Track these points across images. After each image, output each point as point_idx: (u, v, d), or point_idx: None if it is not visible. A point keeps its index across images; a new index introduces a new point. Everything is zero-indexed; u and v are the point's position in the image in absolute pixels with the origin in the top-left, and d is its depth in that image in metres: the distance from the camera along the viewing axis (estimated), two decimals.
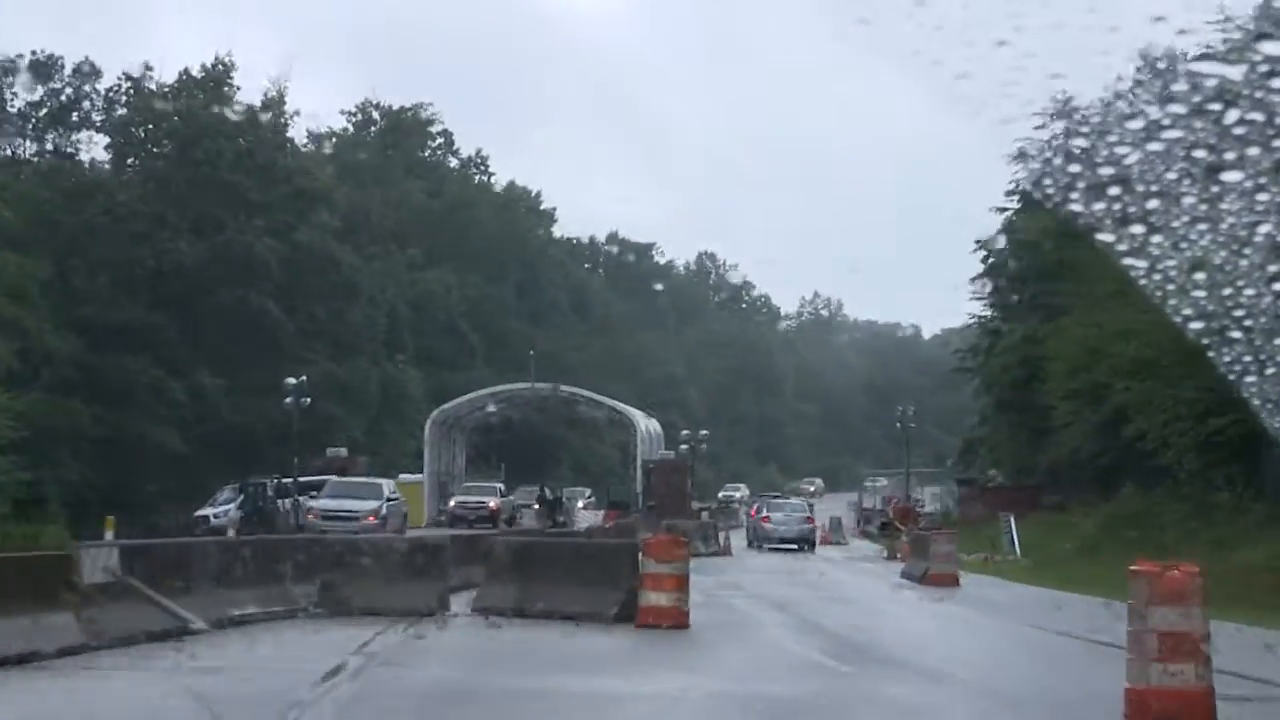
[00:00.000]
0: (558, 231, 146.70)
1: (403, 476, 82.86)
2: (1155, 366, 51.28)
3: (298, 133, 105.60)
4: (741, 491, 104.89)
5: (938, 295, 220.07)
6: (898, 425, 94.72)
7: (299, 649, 18.36)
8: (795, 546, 62.76)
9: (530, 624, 22.04)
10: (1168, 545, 48.03)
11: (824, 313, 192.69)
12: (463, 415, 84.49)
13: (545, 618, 22.58)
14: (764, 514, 68.88)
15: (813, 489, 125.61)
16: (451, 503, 70.17)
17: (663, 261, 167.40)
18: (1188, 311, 8.82)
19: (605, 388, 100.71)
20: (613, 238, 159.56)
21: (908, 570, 41.02)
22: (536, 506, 76.05)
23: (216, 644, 18.25)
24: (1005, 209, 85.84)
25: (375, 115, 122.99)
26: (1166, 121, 7.43)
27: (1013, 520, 55.76)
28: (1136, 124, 7.56)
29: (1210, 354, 9.79)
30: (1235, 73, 7.31)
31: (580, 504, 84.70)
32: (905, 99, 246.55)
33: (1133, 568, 14.17)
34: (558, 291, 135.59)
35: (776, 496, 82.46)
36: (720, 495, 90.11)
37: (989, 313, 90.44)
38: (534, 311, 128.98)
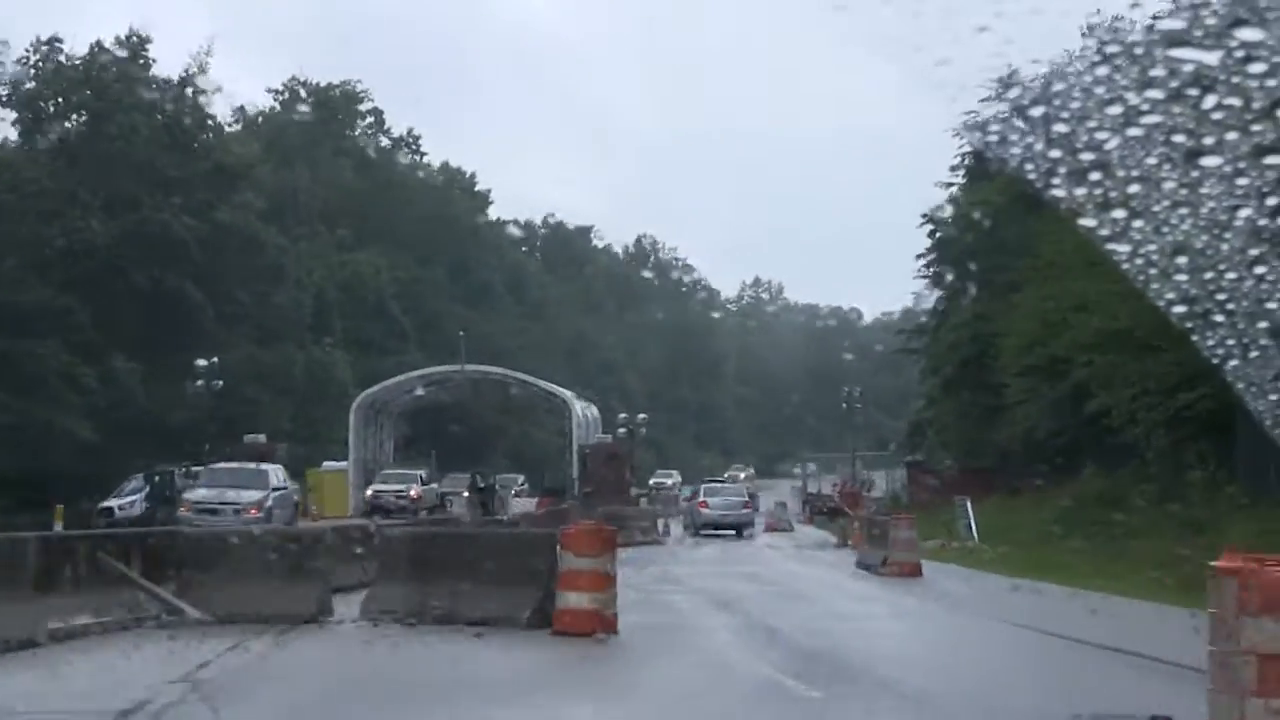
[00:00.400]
0: (493, 214, 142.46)
1: (327, 464, 78.79)
2: (1122, 338, 47.85)
3: (221, 110, 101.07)
4: (674, 478, 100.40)
5: (880, 280, 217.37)
6: (843, 405, 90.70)
7: (112, 674, 14.37)
8: (733, 533, 60.04)
9: (426, 632, 18.28)
10: (1135, 528, 44.82)
11: (764, 295, 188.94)
12: (390, 399, 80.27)
13: (445, 623, 18.94)
14: (701, 499, 65.85)
15: (744, 475, 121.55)
16: (369, 491, 65.87)
17: (601, 245, 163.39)
18: (1171, 295, 8.64)
19: (542, 372, 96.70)
20: (549, 220, 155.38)
21: (863, 559, 37.29)
22: (466, 495, 72.01)
23: (5, 671, 14.13)
24: (951, 184, 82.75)
25: (302, 93, 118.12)
26: (1145, 107, 7.37)
27: (969, 504, 52.09)
28: (1116, 109, 7.33)
29: (1194, 338, 9.57)
30: (1212, 58, 7.21)
31: (514, 492, 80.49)
32: (853, 80, 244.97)
33: (1217, 564, 10.17)
34: (492, 274, 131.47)
35: (716, 482, 78.56)
36: (651, 482, 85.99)
37: (936, 291, 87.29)
38: (468, 294, 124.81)
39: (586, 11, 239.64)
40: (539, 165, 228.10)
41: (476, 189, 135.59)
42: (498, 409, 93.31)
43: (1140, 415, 46.65)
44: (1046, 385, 57.27)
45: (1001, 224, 70.99)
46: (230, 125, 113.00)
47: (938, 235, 79.31)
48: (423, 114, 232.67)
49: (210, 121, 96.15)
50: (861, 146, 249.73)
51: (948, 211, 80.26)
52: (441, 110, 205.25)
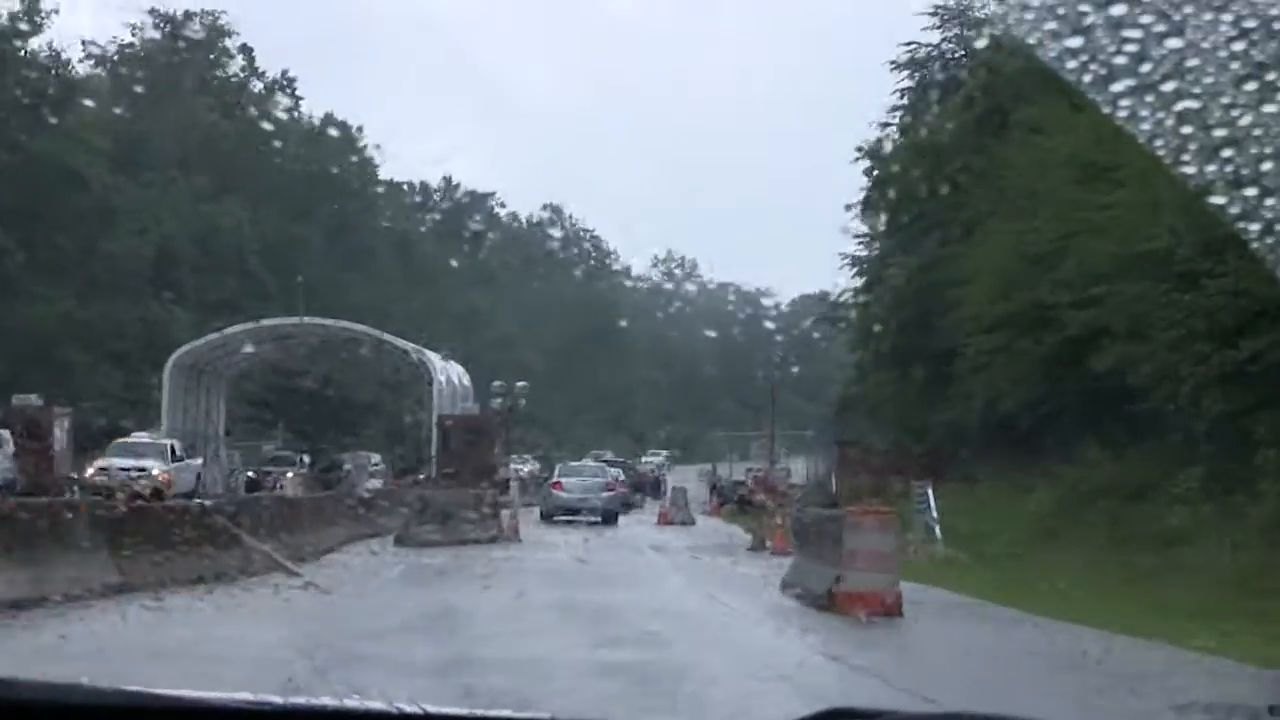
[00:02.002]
0: (384, 175, 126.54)
1: (136, 435, 62.95)
2: (1156, 261, 33.44)
3: (58, 38, 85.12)
4: (530, 465, 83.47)
5: (797, 262, 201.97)
6: (759, 377, 74.43)
7: None
8: (597, 520, 51.49)
9: None
10: (1178, 531, 30.69)
11: (677, 272, 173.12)
12: (216, 360, 64.46)
13: None
14: (556, 479, 56.53)
15: (660, 459, 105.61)
16: (90, 470, 50.41)
17: (503, 213, 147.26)
18: None
19: (433, 345, 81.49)
20: (446, 184, 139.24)
21: (797, 578, 22.25)
22: (290, 474, 56.81)
23: None
24: (889, 123, 68.54)
25: (158, 25, 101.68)
26: None
27: (930, 493, 37.32)
28: (1251, 86, 6.52)
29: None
30: None
31: (368, 471, 64.93)
32: (774, 55, 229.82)
33: None
34: (376, 237, 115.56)
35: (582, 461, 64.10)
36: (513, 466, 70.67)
37: (866, 250, 73.22)
38: (348, 256, 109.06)
39: None
40: (434, 128, 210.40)
41: (362, 145, 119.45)
42: (352, 373, 77.12)
43: (1184, 370, 32.22)
44: (1028, 339, 42.83)
45: (956, 153, 57.06)
46: (81, 61, 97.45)
47: (875, 174, 64.40)
48: (301, 62, 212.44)
49: (26, 40, 79.86)
50: (783, 123, 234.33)
51: (888, 149, 65.70)
52: (325, 62, 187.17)
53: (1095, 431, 38.46)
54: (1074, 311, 38.29)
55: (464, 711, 3.29)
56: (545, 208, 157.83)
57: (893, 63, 66.60)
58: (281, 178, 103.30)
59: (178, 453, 52.93)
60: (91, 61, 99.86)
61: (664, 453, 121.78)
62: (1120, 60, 6.58)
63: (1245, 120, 6.55)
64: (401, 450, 69.63)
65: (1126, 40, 6.47)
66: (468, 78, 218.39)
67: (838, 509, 29.47)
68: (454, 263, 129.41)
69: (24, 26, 78.78)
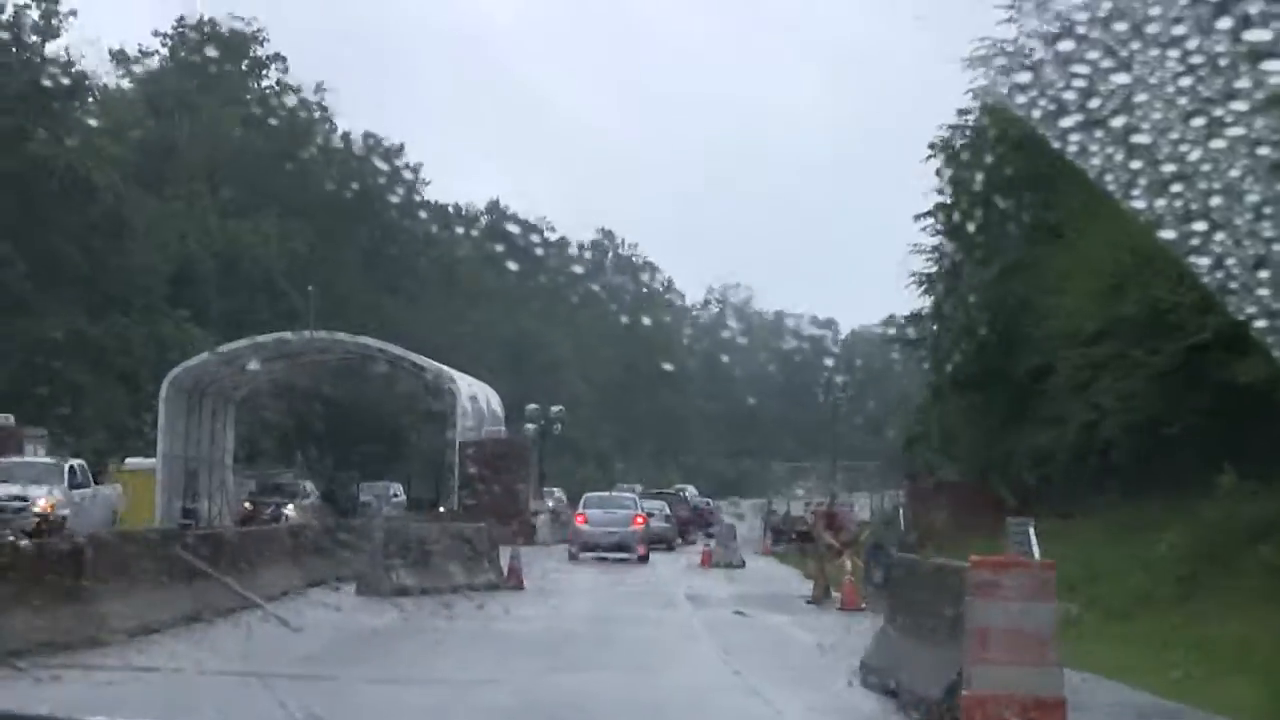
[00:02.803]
0: (429, 196, 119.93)
1: (130, 461, 56.24)
2: None
3: (82, 44, 79.37)
4: (555, 498, 74.34)
5: (857, 292, 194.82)
6: (821, 398, 66.42)
7: None
8: (630, 556, 46.45)
9: None
10: None
11: (732, 300, 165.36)
12: (221, 380, 57.57)
13: None
14: (580, 512, 50.92)
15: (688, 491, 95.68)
16: None
17: (552, 238, 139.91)
18: (1252, 310, 7.98)
19: (478, 373, 74.71)
20: (494, 207, 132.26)
21: (882, 659, 14.74)
22: (292, 506, 49.96)
23: None
24: (960, 126, 61.10)
25: (193, 37, 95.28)
26: (1229, 119, 7.16)
27: (1032, 532, 29.86)
28: (1199, 121, 7.05)
29: (1275, 353, 8.89)
30: None
31: (384, 502, 57.86)
32: (832, 87, 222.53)
33: None
34: (418, 260, 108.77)
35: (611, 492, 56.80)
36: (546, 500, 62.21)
37: (935, 266, 65.81)
38: (386, 278, 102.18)
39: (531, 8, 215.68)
40: (479, 152, 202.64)
41: (402, 165, 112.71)
42: (369, 394, 69.88)
43: None
44: (1140, 350, 35.29)
45: (1041, 147, 48.82)
46: (110, 76, 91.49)
47: (950, 174, 56.81)
48: (341, 80, 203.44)
49: (43, 43, 73.56)
50: (842, 152, 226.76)
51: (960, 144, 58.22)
52: (365, 82, 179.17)
53: (1233, 457, 30.74)
54: (1200, 316, 30.73)
55: None
56: (597, 233, 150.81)
57: (965, 59, 59.32)
58: (315, 195, 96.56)
59: (79, 477, 43.73)
60: (119, 72, 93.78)
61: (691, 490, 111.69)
62: (1069, 95, 6.89)
63: (1194, 155, 6.60)
64: (414, 478, 62.49)
65: (1075, 75, 6.61)
66: (515, 102, 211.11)
67: (921, 553, 22.17)
68: (500, 288, 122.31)
69: (34, 16, 72.41)
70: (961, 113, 59.59)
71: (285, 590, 23.79)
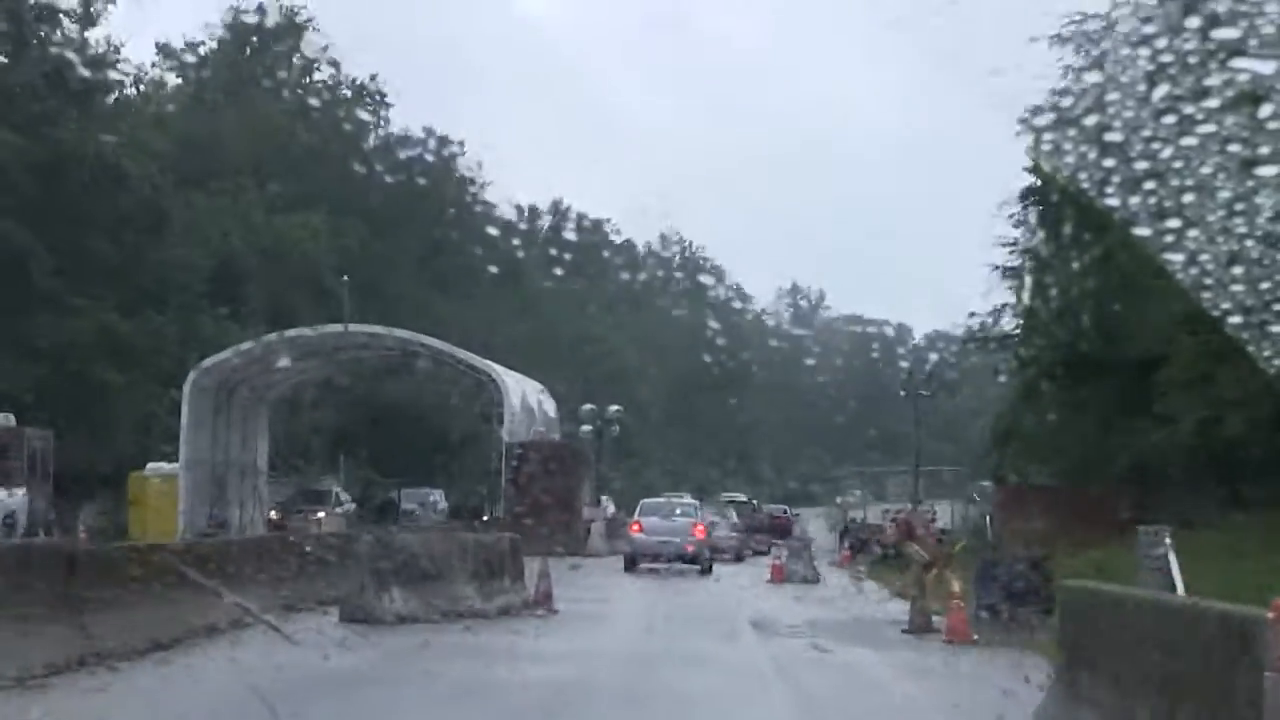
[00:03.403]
0: (490, 196, 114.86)
1: (152, 467, 51.32)
2: None
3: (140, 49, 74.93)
4: (607, 508, 66.82)
5: (930, 295, 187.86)
6: (901, 396, 60.21)
7: None
8: (692, 566, 42.24)
9: None
10: None
11: (803, 304, 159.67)
12: (253, 378, 52.52)
13: None
14: (635, 520, 45.84)
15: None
16: None
17: (619, 241, 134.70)
18: (1226, 306, 8.12)
19: (539, 375, 69.72)
20: (557, 208, 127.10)
21: None
22: (323, 514, 45.06)
23: None
24: (1053, 105, 55.14)
25: (242, 27, 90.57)
26: (1200, 116, 7.15)
27: (1170, 547, 24.19)
28: (1170, 119, 7.02)
29: (1250, 349, 9.20)
30: (1268, 68, 7.02)
31: (420, 510, 52.67)
32: (901, 88, 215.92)
33: None
34: (477, 260, 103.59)
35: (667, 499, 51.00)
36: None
37: (1020, 260, 60.65)
38: (443, 278, 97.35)
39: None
40: (542, 152, 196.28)
41: (462, 162, 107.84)
42: (411, 393, 64.50)
43: None
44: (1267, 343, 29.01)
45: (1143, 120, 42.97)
46: (152, 69, 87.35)
47: (1040, 150, 50.88)
48: (399, 76, 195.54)
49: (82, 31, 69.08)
50: (912, 155, 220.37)
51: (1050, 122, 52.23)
52: (426, 79, 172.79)
53: None
54: None
55: None
56: (663, 236, 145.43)
57: (1054, 36, 53.96)
58: (368, 191, 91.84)
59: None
60: (166, 64, 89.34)
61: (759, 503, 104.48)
62: (1041, 95, 9.95)
63: (1166, 153, 6.66)
64: (455, 484, 57.29)
65: (1046, 75, 9.83)
66: (579, 106, 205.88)
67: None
68: (563, 290, 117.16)
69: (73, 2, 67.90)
70: (1055, 93, 54.39)
71: (239, 619, 18.64)
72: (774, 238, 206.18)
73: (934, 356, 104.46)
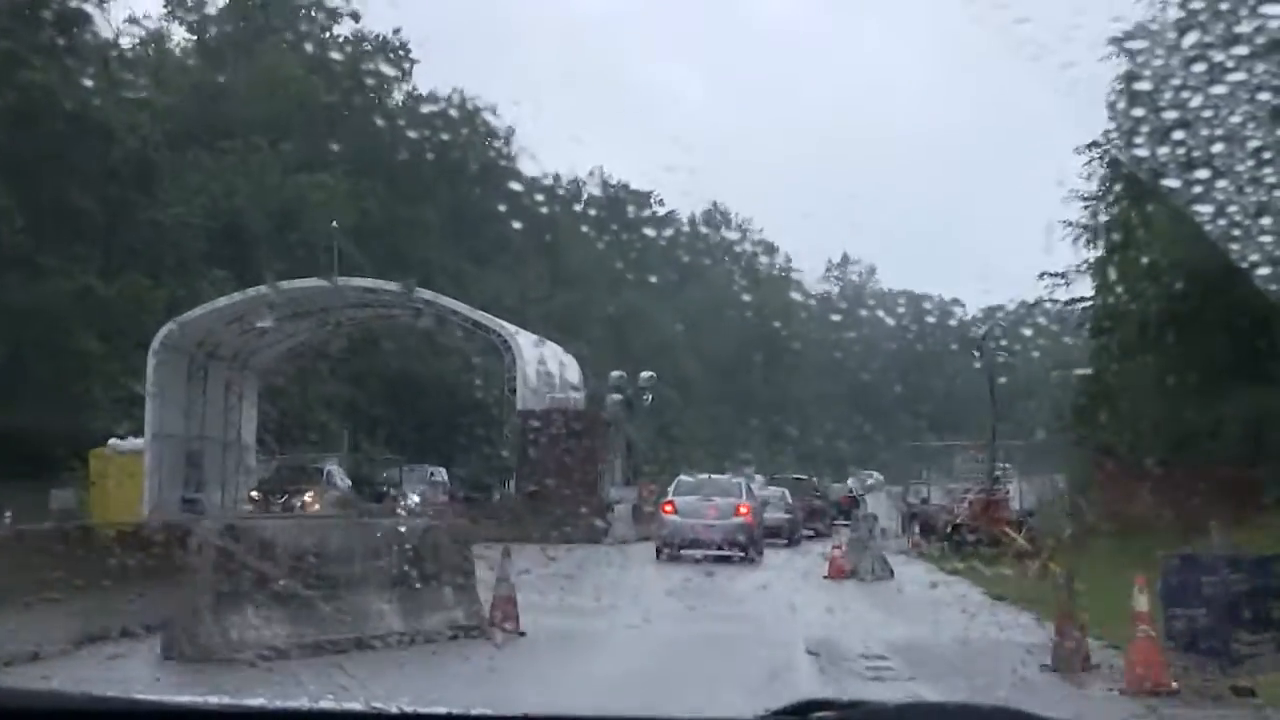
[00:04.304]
0: (526, 165, 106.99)
1: (115, 442, 43.85)
2: None
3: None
4: (621, 498, 55.14)
5: (982, 271, 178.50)
6: (975, 353, 50.62)
7: None
8: (738, 554, 34.87)
9: None
10: None
11: (854, 278, 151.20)
12: (233, 340, 44.86)
13: None
14: (667, 500, 37.26)
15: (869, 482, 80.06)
16: None
17: (662, 212, 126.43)
18: (1255, 257, 7.81)
19: (576, 349, 62.06)
20: (596, 177, 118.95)
21: None
22: (310, 494, 37.43)
23: None
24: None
25: None
26: (1230, 64, 6.73)
27: None
28: (1200, 67, 6.63)
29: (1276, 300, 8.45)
30: None
31: (416, 490, 44.81)
32: (949, 52, 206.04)
33: None
34: (512, 228, 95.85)
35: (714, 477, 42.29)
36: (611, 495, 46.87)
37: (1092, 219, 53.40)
38: (475, 247, 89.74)
39: None
40: (581, 120, 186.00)
41: (496, 128, 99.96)
42: (419, 357, 56.39)
43: None
44: None
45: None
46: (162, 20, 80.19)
47: (1135, 70, 42.64)
48: (432, 34, 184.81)
49: None
50: (964, 124, 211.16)
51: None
52: (458, 39, 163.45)
53: None
54: None
55: (440, 711, 3.00)
56: (708, 207, 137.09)
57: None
58: (392, 151, 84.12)
59: None
60: (171, 14, 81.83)
61: (873, 475, 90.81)
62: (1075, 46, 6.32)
63: (1195, 102, 6.35)
64: (457, 457, 49.31)
65: (1076, 26, 5.93)
66: (621, 78, 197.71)
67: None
68: (603, 261, 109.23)
69: None
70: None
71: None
72: (823, 212, 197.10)
73: (995, 329, 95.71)
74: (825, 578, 28.18)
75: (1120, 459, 39.61)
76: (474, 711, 3.05)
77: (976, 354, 47.25)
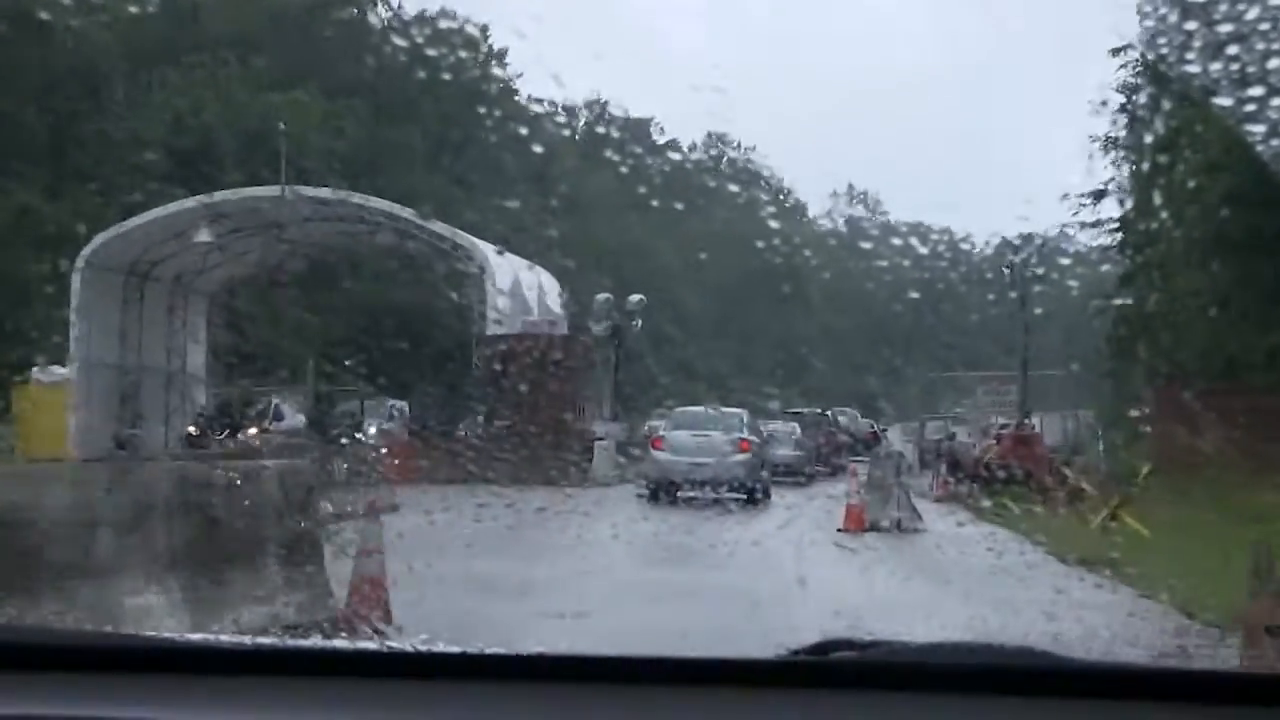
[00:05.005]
0: (521, 89, 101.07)
1: (35, 372, 38.34)
2: None
3: None
4: (608, 433, 47.96)
5: (991, 205, 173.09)
6: (1006, 271, 43.77)
7: None
8: (738, 495, 29.58)
9: None
10: None
11: (860, 209, 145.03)
12: (170, 258, 39.30)
13: None
14: (657, 435, 32.26)
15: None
16: None
17: (661, 140, 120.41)
18: None
19: (571, 280, 56.52)
20: (595, 104, 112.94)
21: None
22: (254, 430, 32.28)
23: None
24: None
25: None
26: None
27: None
28: None
29: None
30: None
31: (371, 426, 39.25)
32: None
33: None
34: (504, 153, 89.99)
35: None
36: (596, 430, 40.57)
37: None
38: (464, 171, 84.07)
39: None
40: (583, 54, 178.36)
41: (487, 49, 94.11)
42: (382, 276, 50.59)
43: None
44: None
45: None
46: None
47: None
48: None
49: None
50: (973, 50, 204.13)
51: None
52: None
53: None
54: None
55: (454, 650, 2.99)
56: (710, 136, 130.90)
57: None
58: (373, 72, 78.28)
59: None
60: None
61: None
62: None
63: (1251, 14, 6.39)
64: (416, 387, 43.66)
65: None
66: (619, 10, 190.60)
67: None
68: (600, 190, 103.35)
69: None
70: None
71: None
72: (827, 143, 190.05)
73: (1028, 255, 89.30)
74: (840, 530, 22.65)
75: (1182, 388, 34.03)
76: (488, 651, 2.91)
77: (1006, 271, 41.11)
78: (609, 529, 20.68)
